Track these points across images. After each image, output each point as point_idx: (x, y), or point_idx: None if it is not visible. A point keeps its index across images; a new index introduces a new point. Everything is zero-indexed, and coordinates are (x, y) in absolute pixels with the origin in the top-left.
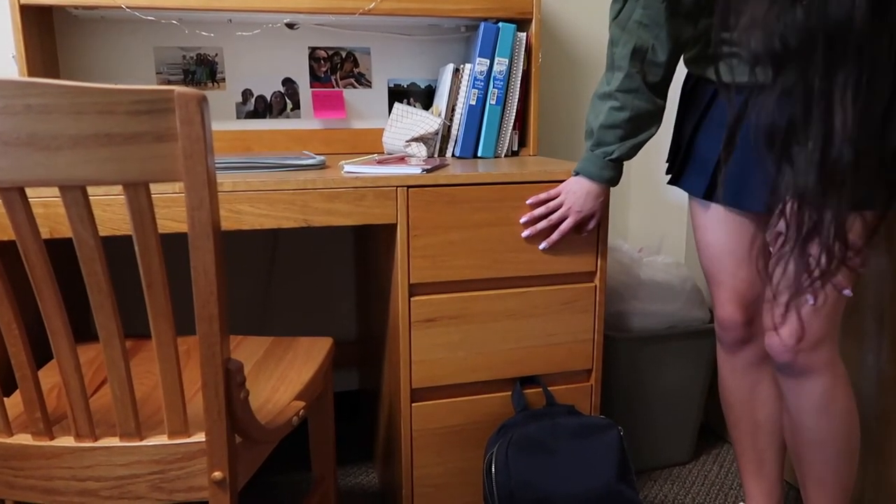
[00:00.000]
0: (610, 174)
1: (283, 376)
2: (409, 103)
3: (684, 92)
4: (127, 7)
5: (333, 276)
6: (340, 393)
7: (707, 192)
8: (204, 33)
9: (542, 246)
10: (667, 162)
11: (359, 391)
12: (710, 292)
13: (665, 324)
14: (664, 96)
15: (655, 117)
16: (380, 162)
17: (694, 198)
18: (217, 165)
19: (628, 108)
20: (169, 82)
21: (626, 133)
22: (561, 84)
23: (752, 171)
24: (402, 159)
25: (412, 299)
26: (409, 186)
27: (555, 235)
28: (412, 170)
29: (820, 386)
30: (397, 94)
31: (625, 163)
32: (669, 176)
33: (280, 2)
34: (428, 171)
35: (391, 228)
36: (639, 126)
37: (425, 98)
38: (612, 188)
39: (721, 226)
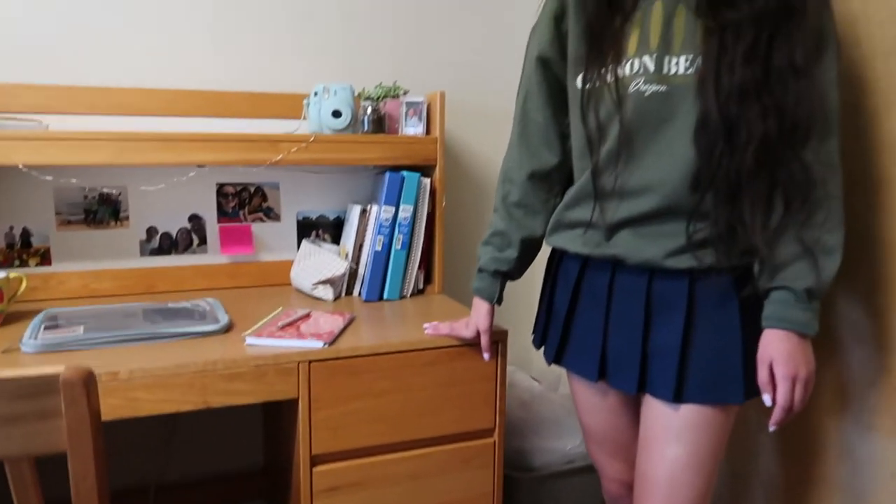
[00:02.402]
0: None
1: None
2: (318, 235)
3: (549, 268)
4: (24, 166)
5: (240, 443)
6: None
7: (599, 374)
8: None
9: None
10: (533, 333)
11: None
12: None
13: (564, 459)
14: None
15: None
16: (282, 328)
17: (574, 376)
18: (112, 338)
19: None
20: (69, 223)
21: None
22: (466, 218)
23: (631, 350)
24: (306, 317)
25: (314, 469)
26: (310, 361)
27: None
28: (313, 344)
29: None
30: (306, 227)
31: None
32: (543, 350)
33: (186, 157)
34: (329, 344)
35: (293, 402)
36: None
37: (334, 229)
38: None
39: (603, 411)
